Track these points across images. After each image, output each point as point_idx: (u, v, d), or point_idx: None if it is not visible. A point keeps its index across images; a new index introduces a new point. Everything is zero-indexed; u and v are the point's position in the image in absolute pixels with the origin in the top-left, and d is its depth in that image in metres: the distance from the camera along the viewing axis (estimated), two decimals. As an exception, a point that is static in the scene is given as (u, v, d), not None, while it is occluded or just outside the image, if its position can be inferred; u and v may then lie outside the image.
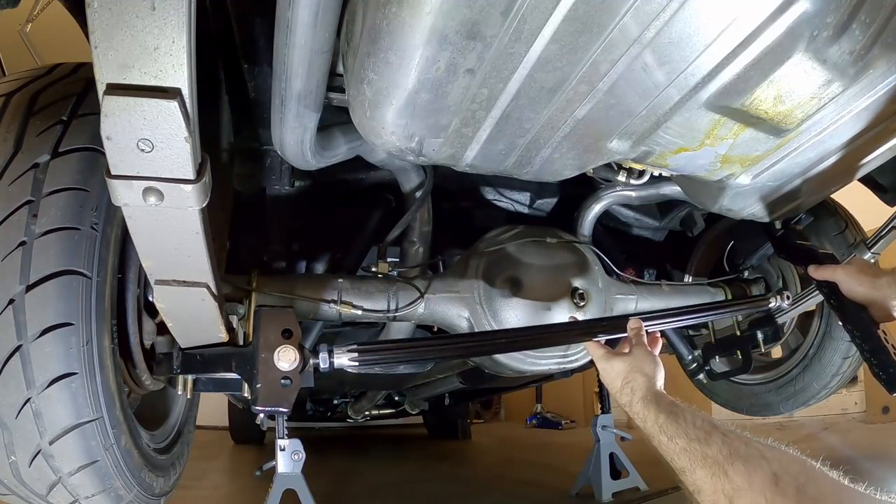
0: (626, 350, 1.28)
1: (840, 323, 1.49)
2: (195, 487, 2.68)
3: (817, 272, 1.50)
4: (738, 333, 2.12)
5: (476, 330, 1.67)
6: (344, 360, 1.31)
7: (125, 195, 0.82)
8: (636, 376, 1.16)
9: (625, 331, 1.36)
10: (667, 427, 0.99)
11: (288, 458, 1.35)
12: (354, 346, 1.34)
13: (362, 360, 1.32)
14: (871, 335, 1.39)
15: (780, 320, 2.09)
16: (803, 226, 1.81)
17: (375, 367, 1.36)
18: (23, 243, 1.00)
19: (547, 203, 2.13)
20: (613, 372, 1.22)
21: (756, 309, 1.93)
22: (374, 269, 1.67)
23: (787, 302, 1.85)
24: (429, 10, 0.85)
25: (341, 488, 2.68)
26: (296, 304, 1.54)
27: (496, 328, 1.66)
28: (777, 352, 2.33)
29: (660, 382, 1.16)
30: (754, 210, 1.48)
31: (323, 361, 1.30)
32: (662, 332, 2.27)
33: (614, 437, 2.10)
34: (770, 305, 1.85)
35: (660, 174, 1.55)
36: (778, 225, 1.75)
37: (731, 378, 2.31)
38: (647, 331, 1.36)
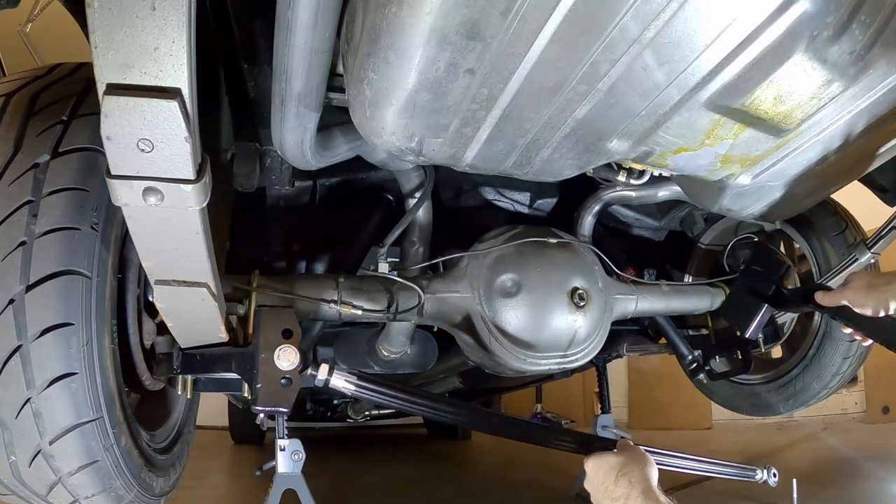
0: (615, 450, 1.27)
1: (871, 338, 1.56)
2: (195, 487, 2.68)
3: (826, 299, 1.57)
4: (739, 333, 2.12)
5: (476, 329, 1.67)
6: (341, 381, 1.31)
7: (125, 195, 0.82)
8: (633, 469, 1.15)
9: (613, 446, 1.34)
10: None
11: (288, 458, 1.35)
12: (356, 373, 1.33)
13: (358, 387, 1.32)
14: None
15: (780, 320, 2.09)
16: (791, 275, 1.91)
17: (369, 396, 1.35)
18: (23, 243, 1.00)
19: (547, 203, 2.13)
20: (607, 465, 1.19)
21: (742, 477, 1.87)
22: (374, 270, 1.67)
23: (773, 479, 1.83)
24: (429, 10, 0.85)
25: (341, 488, 2.68)
26: (296, 304, 1.54)
27: (496, 328, 1.66)
28: (777, 352, 2.33)
29: (655, 480, 1.15)
30: (754, 210, 1.48)
31: (321, 375, 1.30)
32: (663, 332, 2.29)
33: (614, 437, 2.10)
34: (756, 477, 1.82)
35: (660, 174, 1.55)
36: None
37: (731, 378, 2.31)
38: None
